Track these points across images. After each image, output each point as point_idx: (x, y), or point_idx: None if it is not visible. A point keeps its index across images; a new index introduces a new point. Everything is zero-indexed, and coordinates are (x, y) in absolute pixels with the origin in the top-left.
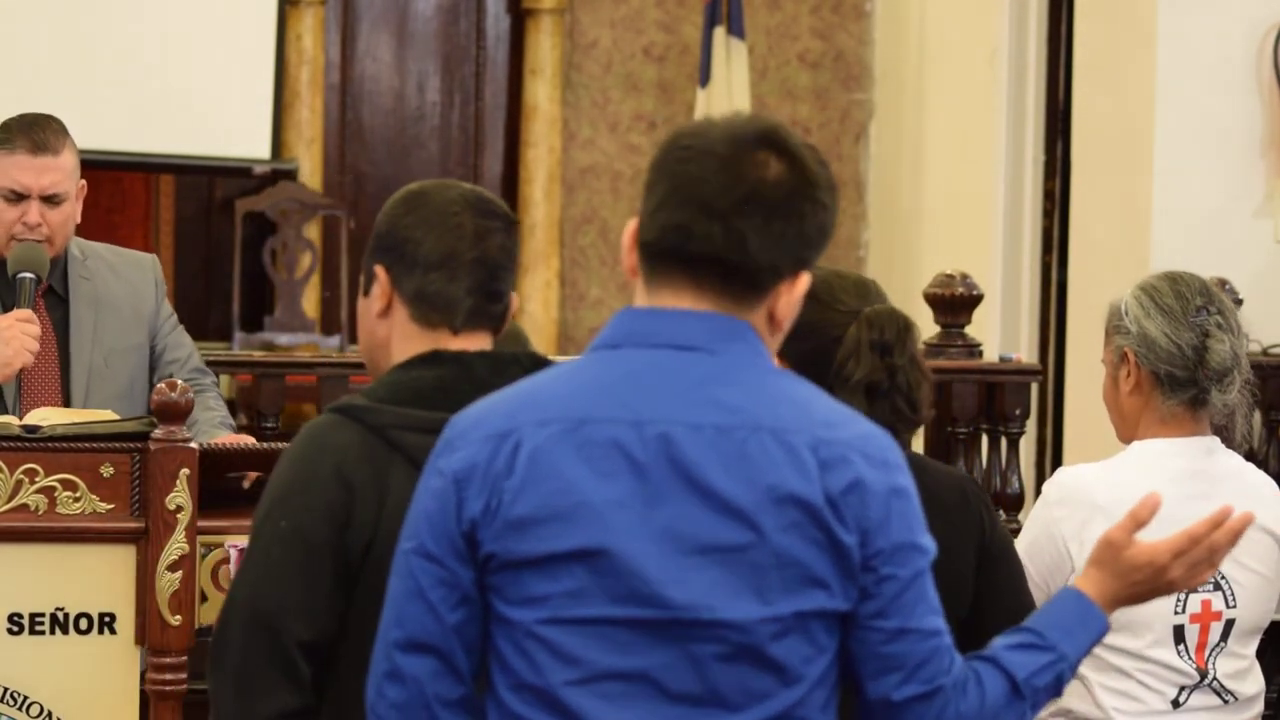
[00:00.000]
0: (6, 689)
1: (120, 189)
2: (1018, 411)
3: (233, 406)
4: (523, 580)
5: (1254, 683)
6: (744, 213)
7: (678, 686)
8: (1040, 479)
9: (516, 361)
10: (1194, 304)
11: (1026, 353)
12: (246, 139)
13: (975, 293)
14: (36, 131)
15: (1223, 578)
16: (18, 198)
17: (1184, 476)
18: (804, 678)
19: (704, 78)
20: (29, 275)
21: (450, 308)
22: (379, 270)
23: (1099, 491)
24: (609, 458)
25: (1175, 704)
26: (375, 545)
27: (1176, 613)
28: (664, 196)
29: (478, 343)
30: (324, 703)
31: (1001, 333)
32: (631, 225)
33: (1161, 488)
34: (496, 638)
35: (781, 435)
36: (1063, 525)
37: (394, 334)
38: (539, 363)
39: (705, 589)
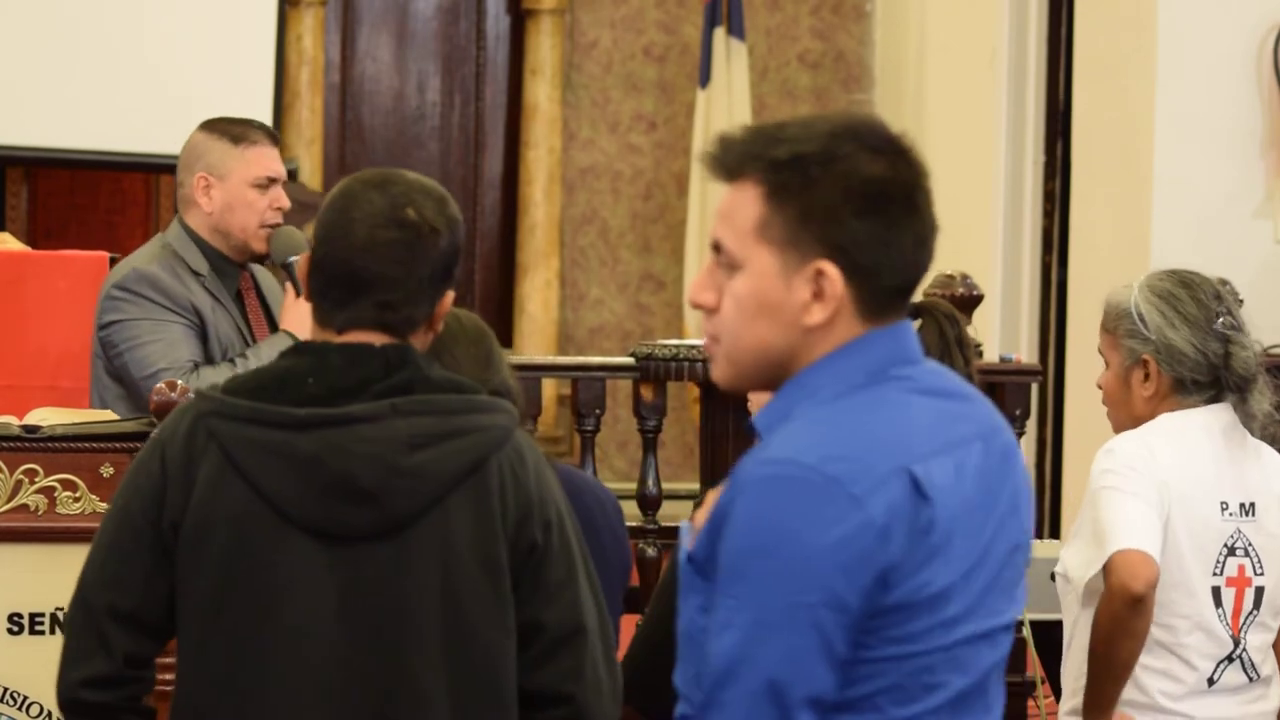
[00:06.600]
0: (6, 689)
1: (120, 189)
2: (1018, 412)
3: None
4: (915, 614)
5: (1270, 663)
6: None
7: (981, 701)
8: (1040, 479)
9: (380, 354)
10: (1214, 310)
11: (1026, 353)
12: None
13: (975, 293)
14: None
15: (1250, 544)
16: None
17: (1219, 432)
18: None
19: (704, 78)
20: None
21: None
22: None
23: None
24: (979, 476)
25: (1210, 681)
26: (183, 528)
27: (1215, 574)
28: (921, 238)
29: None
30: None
31: (1001, 333)
32: (834, 273)
33: (1202, 445)
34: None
35: (1008, 437)
36: (1148, 462)
37: None
38: (401, 352)
39: (1000, 594)
